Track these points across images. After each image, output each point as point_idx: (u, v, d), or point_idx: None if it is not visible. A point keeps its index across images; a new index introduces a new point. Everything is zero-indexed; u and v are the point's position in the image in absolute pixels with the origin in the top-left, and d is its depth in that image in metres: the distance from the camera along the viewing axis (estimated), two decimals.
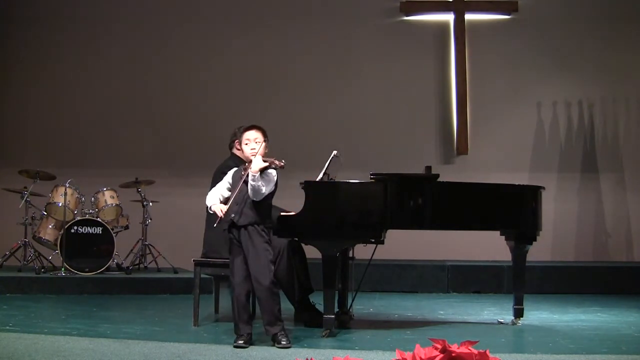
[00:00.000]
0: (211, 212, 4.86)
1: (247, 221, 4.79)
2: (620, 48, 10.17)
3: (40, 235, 8.30)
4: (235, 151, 5.93)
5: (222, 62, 10.16)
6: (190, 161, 9.86)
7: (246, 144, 4.91)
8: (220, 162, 5.95)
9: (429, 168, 5.89)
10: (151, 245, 8.72)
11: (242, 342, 4.66)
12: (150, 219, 8.74)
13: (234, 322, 4.76)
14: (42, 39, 10.11)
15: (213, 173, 5.88)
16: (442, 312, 6.78)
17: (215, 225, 4.75)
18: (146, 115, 10.08)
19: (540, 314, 6.59)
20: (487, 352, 3.56)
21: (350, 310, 5.84)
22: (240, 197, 4.80)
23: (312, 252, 5.52)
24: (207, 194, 5.89)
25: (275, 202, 5.07)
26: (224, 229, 5.61)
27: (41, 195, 8.40)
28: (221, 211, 4.75)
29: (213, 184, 5.81)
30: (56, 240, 8.19)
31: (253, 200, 4.78)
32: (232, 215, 4.78)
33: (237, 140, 5.90)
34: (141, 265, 8.68)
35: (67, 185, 8.21)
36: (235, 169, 5.03)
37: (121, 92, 10.09)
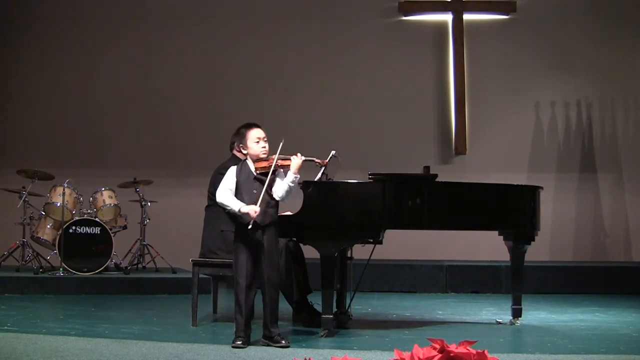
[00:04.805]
0: (240, 214, 4.70)
1: (268, 220, 4.77)
2: (618, 48, 10.18)
3: (39, 235, 8.30)
4: (235, 152, 5.91)
5: (221, 62, 10.16)
6: (188, 161, 9.87)
7: (257, 142, 4.84)
8: (219, 162, 5.93)
9: (427, 168, 5.90)
10: (149, 245, 8.71)
11: (240, 342, 4.66)
12: (149, 219, 8.73)
13: (237, 323, 4.74)
14: (41, 39, 10.10)
15: (212, 174, 5.87)
16: (440, 312, 6.79)
17: (250, 227, 4.64)
18: (145, 116, 10.08)
19: (539, 314, 6.59)
20: (486, 352, 3.56)
21: (349, 310, 5.84)
22: (264, 197, 4.77)
23: (310, 252, 5.52)
24: (205, 194, 5.91)
25: None
26: (222, 230, 5.63)
27: (39, 195, 8.40)
28: (255, 212, 4.66)
29: (212, 185, 5.81)
30: (54, 240, 8.18)
31: (271, 200, 4.78)
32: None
33: (236, 142, 5.88)
34: (139, 265, 8.67)
35: (66, 185, 8.21)
36: (234, 167, 4.93)
37: (120, 93, 10.09)
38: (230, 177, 4.87)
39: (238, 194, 4.82)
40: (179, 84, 10.13)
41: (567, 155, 10.20)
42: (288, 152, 4.85)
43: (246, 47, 10.18)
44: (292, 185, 4.80)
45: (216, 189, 5.67)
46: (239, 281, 4.76)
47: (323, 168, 5.34)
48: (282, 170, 4.84)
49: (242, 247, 4.79)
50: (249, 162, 4.88)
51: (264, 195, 4.74)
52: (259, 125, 4.92)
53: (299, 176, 4.81)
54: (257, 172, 4.82)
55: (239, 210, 4.72)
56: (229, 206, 4.77)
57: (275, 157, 4.79)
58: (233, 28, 10.20)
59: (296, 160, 4.79)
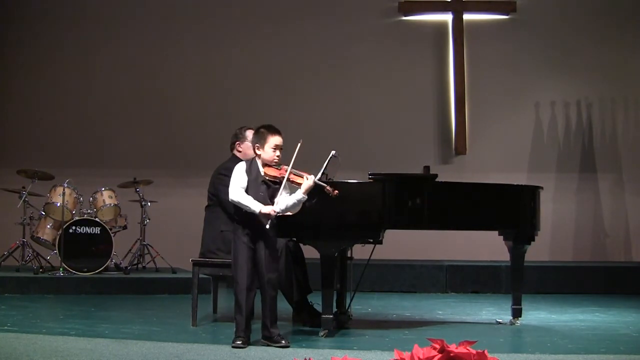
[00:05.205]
0: (261, 215, 4.67)
1: (270, 223, 4.76)
2: (618, 48, 10.18)
3: (39, 235, 8.30)
4: (236, 152, 5.91)
5: (221, 62, 10.17)
6: (188, 161, 9.87)
7: (274, 149, 4.80)
8: (219, 162, 5.93)
9: (427, 168, 5.90)
10: (149, 245, 8.71)
11: (240, 342, 4.65)
12: (149, 219, 8.73)
13: (237, 323, 4.72)
14: (41, 39, 10.10)
15: (212, 174, 5.87)
16: (440, 312, 6.79)
17: (268, 226, 4.65)
18: (145, 115, 10.08)
19: (539, 314, 6.59)
20: (486, 352, 3.56)
21: (349, 310, 5.84)
22: (264, 201, 4.76)
23: (310, 252, 5.52)
24: (205, 194, 5.91)
25: None
26: (222, 230, 5.63)
27: (39, 195, 8.40)
28: (274, 212, 4.67)
29: (212, 185, 5.81)
30: (54, 240, 8.18)
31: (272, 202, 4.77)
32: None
33: (238, 142, 5.89)
34: (139, 265, 8.67)
35: (66, 185, 8.21)
36: (242, 164, 4.88)
37: (120, 92, 10.09)
38: (241, 175, 4.81)
39: (245, 193, 4.79)
40: (179, 84, 10.13)
41: (567, 155, 10.20)
42: (287, 154, 4.84)
43: (246, 47, 10.18)
44: (297, 204, 4.81)
45: (217, 189, 5.71)
46: (239, 282, 4.75)
47: (325, 176, 5.32)
48: (289, 183, 4.83)
49: (241, 247, 4.77)
50: (259, 163, 4.85)
51: (264, 196, 4.74)
52: (281, 133, 4.88)
53: (306, 197, 4.81)
54: (267, 178, 4.81)
55: (260, 212, 4.68)
56: (247, 206, 4.72)
57: (289, 169, 4.76)
58: (233, 28, 10.20)
59: (308, 183, 4.78)
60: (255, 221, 4.72)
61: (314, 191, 4.86)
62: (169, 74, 10.11)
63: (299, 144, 4.74)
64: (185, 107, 10.11)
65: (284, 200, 4.79)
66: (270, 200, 4.78)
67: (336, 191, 4.90)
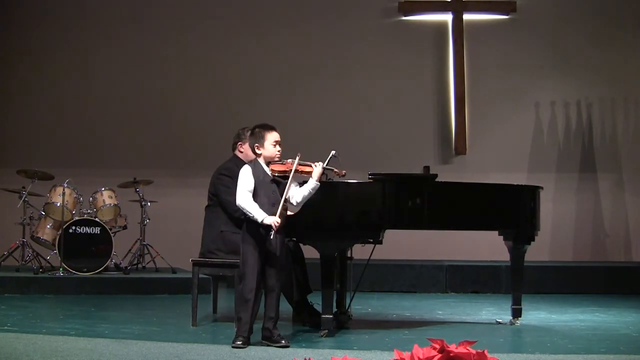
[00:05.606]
0: (264, 224, 4.66)
1: (273, 234, 4.74)
2: (618, 48, 10.18)
3: (39, 235, 8.30)
4: (237, 153, 5.90)
5: (221, 62, 10.17)
6: (188, 161, 9.86)
7: (274, 145, 4.82)
8: (220, 162, 5.93)
9: (427, 168, 5.90)
10: (149, 245, 8.71)
11: (240, 342, 4.64)
12: (149, 219, 8.73)
13: (240, 322, 4.71)
14: (41, 39, 10.10)
15: (212, 174, 5.87)
16: (440, 312, 6.79)
17: (272, 237, 4.64)
18: (145, 115, 10.08)
19: (539, 314, 6.59)
20: (486, 352, 3.56)
21: (349, 310, 5.84)
22: (277, 200, 4.77)
23: (310, 252, 5.52)
24: (205, 194, 5.90)
25: None
26: (222, 230, 5.62)
27: (39, 195, 8.40)
28: (277, 223, 4.65)
29: (212, 185, 5.80)
30: (54, 240, 8.18)
31: (285, 204, 4.76)
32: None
33: (240, 142, 5.88)
34: (139, 265, 8.67)
35: (66, 185, 8.21)
36: (247, 167, 4.85)
37: (120, 92, 10.09)
38: (248, 178, 4.77)
39: (256, 194, 4.76)
40: (179, 84, 10.13)
41: (567, 155, 10.21)
42: (287, 154, 4.86)
43: (246, 47, 10.18)
44: (312, 192, 4.84)
45: (217, 190, 5.71)
46: (249, 281, 4.71)
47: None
48: (298, 174, 4.84)
49: (252, 248, 4.74)
50: (262, 163, 4.85)
51: (283, 200, 4.74)
52: (276, 128, 4.90)
53: (319, 184, 4.84)
54: (276, 175, 4.82)
55: (262, 222, 4.67)
56: (251, 213, 4.70)
57: (295, 162, 4.79)
58: (233, 28, 10.20)
59: (319, 170, 4.84)
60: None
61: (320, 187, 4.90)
62: (169, 74, 10.11)
63: (297, 157, 4.77)
64: (185, 107, 10.11)
65: (300, 192, 4.84)
66: (281, 196, 4.77)
67: (344, 171, 4.94)
